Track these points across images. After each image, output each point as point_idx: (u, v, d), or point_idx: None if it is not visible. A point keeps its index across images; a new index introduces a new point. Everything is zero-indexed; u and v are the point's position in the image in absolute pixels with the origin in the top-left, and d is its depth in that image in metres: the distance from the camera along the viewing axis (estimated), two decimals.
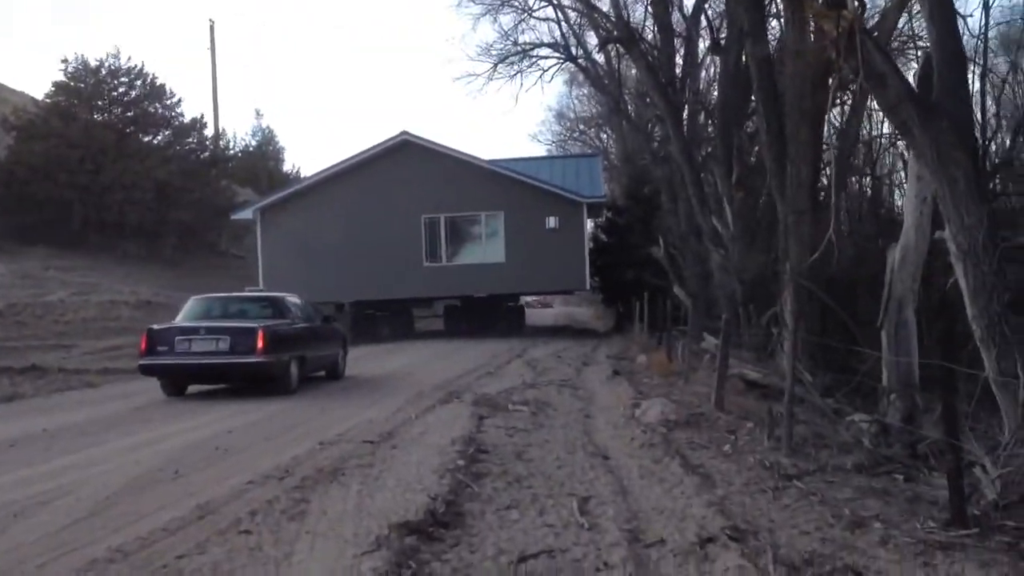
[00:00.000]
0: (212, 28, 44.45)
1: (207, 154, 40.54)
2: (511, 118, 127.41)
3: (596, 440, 9.10)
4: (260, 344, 13.07)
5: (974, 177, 7.36)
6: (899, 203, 22.72)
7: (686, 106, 24.93)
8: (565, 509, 6.20)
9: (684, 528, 5.63)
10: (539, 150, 55.41)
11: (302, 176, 62.10)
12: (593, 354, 21.31)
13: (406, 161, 30.07)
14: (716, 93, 30.31)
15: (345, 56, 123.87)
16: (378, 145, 30.73)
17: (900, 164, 20.49)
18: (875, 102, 14.12)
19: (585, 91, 50.49)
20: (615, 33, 23.69)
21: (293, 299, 15.60)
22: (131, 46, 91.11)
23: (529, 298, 40.28)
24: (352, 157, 31.30)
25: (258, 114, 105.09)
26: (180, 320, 14.43)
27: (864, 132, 18.47)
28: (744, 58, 19.72)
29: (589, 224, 32.89)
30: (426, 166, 29.98)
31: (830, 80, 17.57)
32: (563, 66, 33.70)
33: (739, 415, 10.13)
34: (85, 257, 34.85)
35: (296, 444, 8.96)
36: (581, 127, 54.90)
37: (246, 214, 32.87)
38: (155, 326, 14.10)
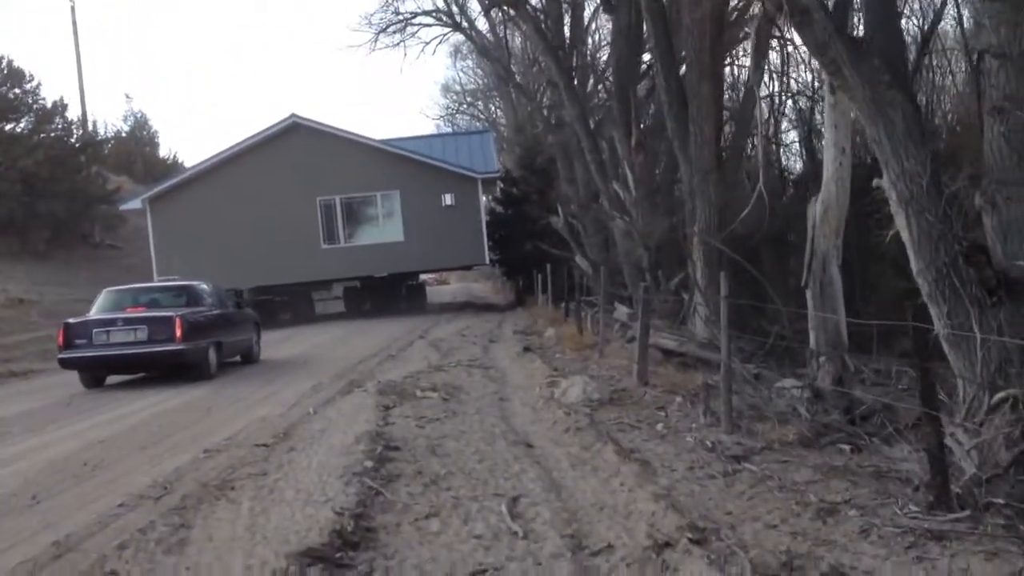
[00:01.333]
0: (73, 8, 41.65)
1: (75, 140, 38.02)
2: (398, 95, 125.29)
3: (516, 426, 8.33)
4: (178, 332, 13.25)
5: (913, 117, 6.79)
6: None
7: (576, 70, 24.17)
8: (493, 514, 5.41)
9: (633, 529, 4.90)
10: (428, 125, 54.45)
11: (179, 161, 59.92)
12: (499, 330, 20.55)
13: (297, 144, 29.92)
14: (607, 55, 29.90)
15: (220, 35, 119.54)
16: (267, 129, 30.59)
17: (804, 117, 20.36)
18: (797, 43, 13.60)
19: (471, 63, 49.62)
20: None
21: (206, 286, 15.61)
22: None
23: (426, 276, 39.46)
24: (242, 141, 31.00)
25: (128, 98, 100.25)
26: (95, 312, 14.48)
27: (765, 86, 18.11)
28: (638, 14, 19.18)
29: (484, 199, 32.94)
30: (318, 148, 29.80)
31: (737, 25, 17.27)
32: (446, 37, 32.96)
33: (665, 389, 9.49)
34: None
35: (177, 452, 7.90)
36: (469, 99, 53.92)
37: (134, 204, 32.31)
38: (71, 320, 14.27)
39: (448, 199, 30.15)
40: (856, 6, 11.71)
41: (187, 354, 13.47)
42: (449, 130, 53.71)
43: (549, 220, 26.91)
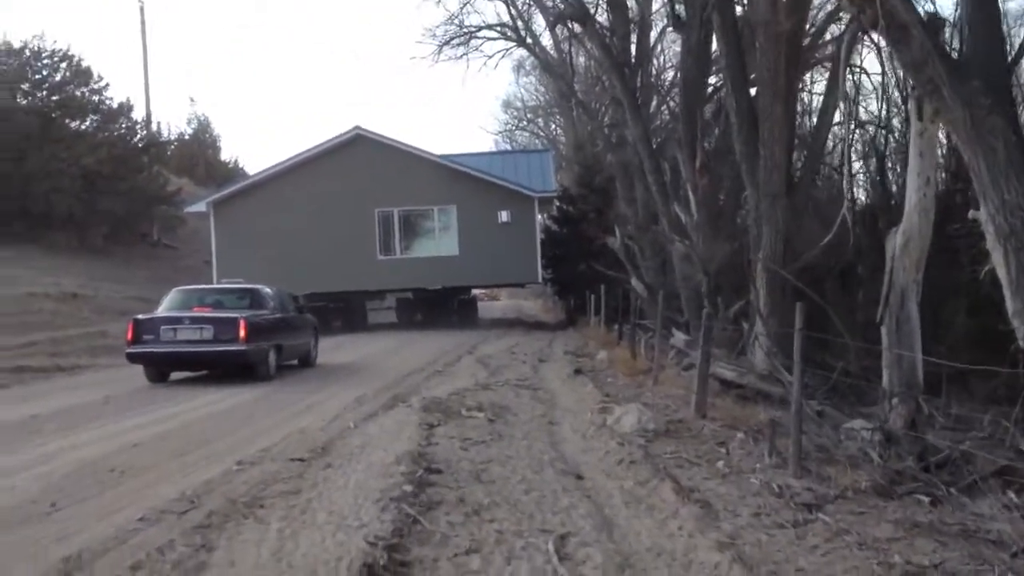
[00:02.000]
0: (142, 10, 42.15)
1: (138, 140, 38.41)
2: (459, 111, 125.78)
3: (566, 454, 7.85)
4: (242, 333, 13.68)
5: (1016, 145, 6.24)
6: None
7: (641, 89, 23.68)
8: (540, 553, 4.95)
9: None
10: (487, 140, 54.34)
11: (240, 165, 60.51)
12: (549, 349, 20.07)
13: (359, 155, 30.33)
14: (673, 75, 29.36)
15: (285, 43, 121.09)
16: (331, 139, 30.93)
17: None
18: (894, 62, 12.98)
19: (533, 79, 49.39)
20: (567, 9, 22.41)
21: (270, 290, 15.99)
22: (57, 29, 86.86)
23: (478, 291, 39.30)
24: (306, 151, 31.46)
25: (192, 101, 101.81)
26: (163, 310, 14.88)
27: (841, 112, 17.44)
28: (707, 34, 18.69)
29: (540, 217, 32.80)
30: (379, 160, 30.19)
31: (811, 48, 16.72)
32: (509, 51, 32.82)
33: (725, 423, 8.94)
34: (8, 248, 32.80)
35: (210, 462, 7.56)
36: (529, 116, 53.65)
37: (199, 207, 32.84)
38: (140, 316, 14.69)
39: (504, 216, 30.29)
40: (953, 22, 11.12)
41: (249, 355, 13.92)
42: (508, 146, 53.73)
43: (606, 240, 26.43)
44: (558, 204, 34.24)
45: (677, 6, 18.80)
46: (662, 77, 31.33)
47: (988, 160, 6.20)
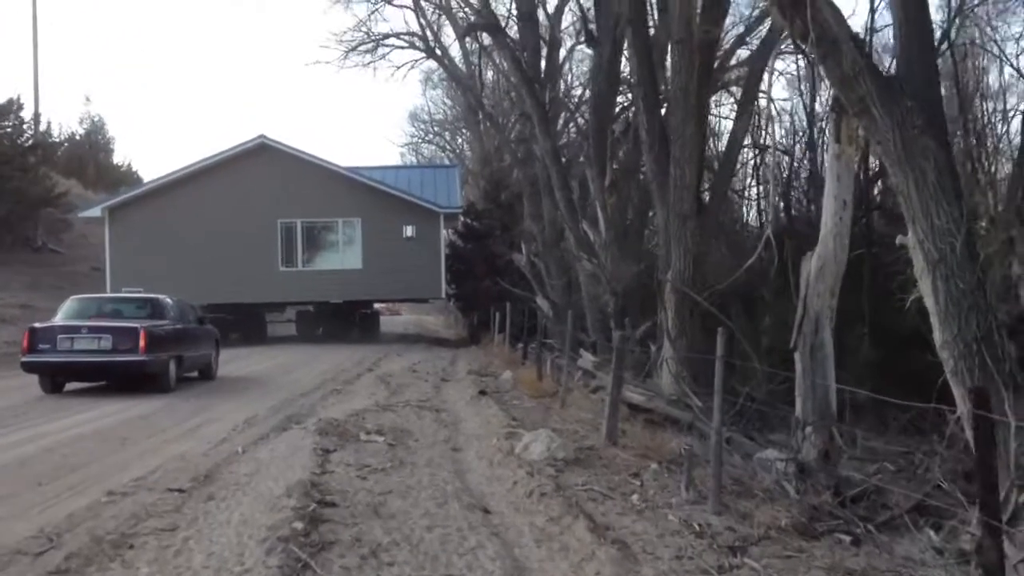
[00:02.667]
0: (34, 2, 40.14)
1: (26, 139, 36.52)
2: (365, 121, 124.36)
3: (471, 484, 7.36)
4: (142, 343, 13.43)
5: (947, 168, 6.02)
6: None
7: (550, 105, 23.41)
8: None
9: None
10: (393, 153, 53.72)
11: (134, 170, 58.38)
12: (452, 368, 19.56)
13: (263, 164, 29.97)
14: (583, 92, 29.30)
15: (188, 44, 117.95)
16: (235, 147, 30.50)
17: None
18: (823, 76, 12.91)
19: (440, 92, 48.95)
20: (478, 20, 22.05)
21: (170, 300, 15.63)
22: None
23: (378, 305, 38.72)
24: (208, 157, 30.94)
25: (87, 100, 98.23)
26: (60, 319, 14.52)
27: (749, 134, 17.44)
28: (617, 51, 18.53)
29: (445, 233, 32.54)
30: (283, 170, 29.83)
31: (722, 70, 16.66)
32: (418, 62, 32.46)
33: (637, 451, 8.56)
34: None
35: (77, 492, 6.82)
36: (436, 129, 53.14)
37: (93, 212, 31.83)
38: (37, 324, 14.36)
39: (409, 231, 30.15)
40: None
41: (149, 366, 13.65)
42: (414, 159, 53.37)
43: (511, 257, 26.10)
44: (464, 219, 33.88)
45: (589, 23, 18.55)
46: (571, 94, 31.29)
47: (918, 183, 5.97)
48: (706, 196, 14.94)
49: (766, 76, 16.17)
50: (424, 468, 7.96)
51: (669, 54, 14.61)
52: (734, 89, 19.63)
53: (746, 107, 14.68)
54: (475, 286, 30.30)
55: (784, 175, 19.28)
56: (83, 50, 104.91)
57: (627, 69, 18.78)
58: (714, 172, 16.48)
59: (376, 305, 37.31)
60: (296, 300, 32.07)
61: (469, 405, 12.55)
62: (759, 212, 21.79)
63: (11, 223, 34.50)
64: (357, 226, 30.66)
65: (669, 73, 14.64)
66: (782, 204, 19.04)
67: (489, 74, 37.70)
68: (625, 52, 17.91)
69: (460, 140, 53.03)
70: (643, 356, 15.15)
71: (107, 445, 9.03)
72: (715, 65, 15.90)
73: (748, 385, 13.88)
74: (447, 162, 49.22)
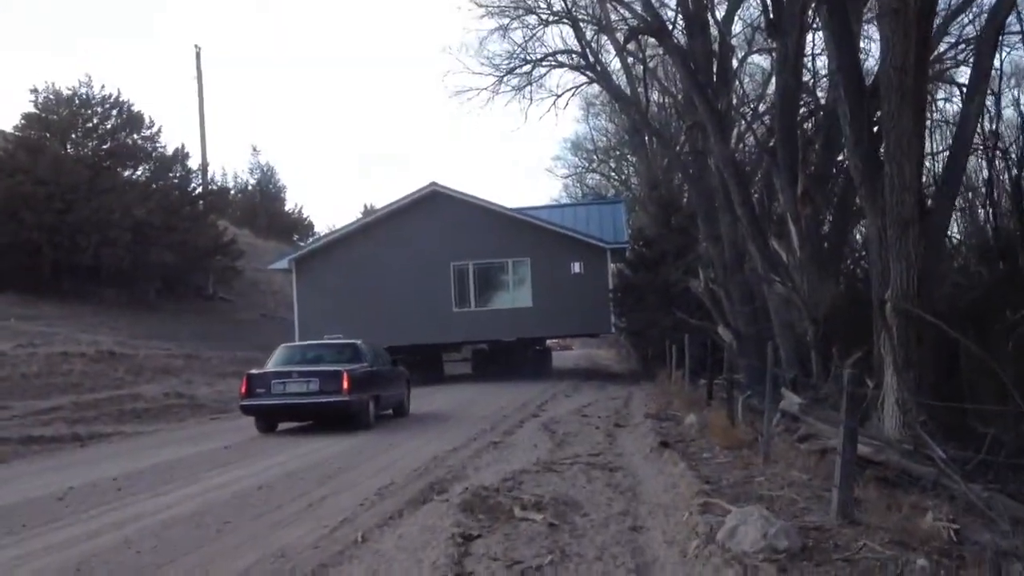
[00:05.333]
0: (198, 55, 40.94)
1: (193, 189, 36.99)
2: (528, 158, 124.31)
3: None
4: (345, 385, 14.76)
5: None
6: None
7: (725, 113, 21.03)
8: None
9: None
10: (556, 185, 52.66)
11: (304, 216, 59.29)
12: (626, 410, 17.41)
13: (435, 210, 31.21)
14: (758, 103, 26.79)
15: (347, 90, 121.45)
16: (408, 195, 31.89)
17: None
18: None
19: (603, 120, 47.29)
20: (643, 25, 20.02)
21: (366, 344, 17.01)
22: (107, 76, 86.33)
23: (550, 341, 37.77)
24: (383, 207, 33.48)
25: (255, 150, 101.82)
26: (271, 366, 16.05)
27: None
28: (802, 44, 16.16)
29: (613, 267, 32.43)
30: (454, 215, 31.03)
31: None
32: (579, 89, 31.10)
33: (885, 532, 6.21)
34: (57, 305, 31.26)
35: None
36: (600, 157, 51.31)
37: (281, 264, 33.73)
38: (253, 371, 15.86)
39: (577, 267, 30.69)
40: None
41: (351, 405, 14.96)
42: (578, 190, 52.14)
43: (687, 284, 23.77)
44: (634, 246, 32.06)
45: (769, 12, 16.22)
46: (745, 106, 28.77)
47: None
48: (930, 197, 12.31)
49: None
50: (595, 563, 5.92)
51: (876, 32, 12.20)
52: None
53: (978, 86, 11.97)
54: (647, 317, 28.07)
55: (1015, 172, 16.20)
56: (249, 100, 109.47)
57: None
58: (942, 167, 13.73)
59: (548, 341, 37.22)
60: (470, 339, 33.14)
61: (648, 461, 10.38)
62: (986, 218, 18.66)
63: (181, 272, 34.84)
64: (526, 265, 31.34)
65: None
66: (1015, 209, 15.96)
67: (655, 95, 35.80)
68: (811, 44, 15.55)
69: (625, 167, 51.10)
70: (859, 394, 12.59)
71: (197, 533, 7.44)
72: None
73: (993, 427, 11.22)
74: (612, 191, 48.77)
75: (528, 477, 9.16)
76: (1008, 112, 21.13)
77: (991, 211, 18.81)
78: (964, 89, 14.52)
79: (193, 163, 37.98)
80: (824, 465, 9.23)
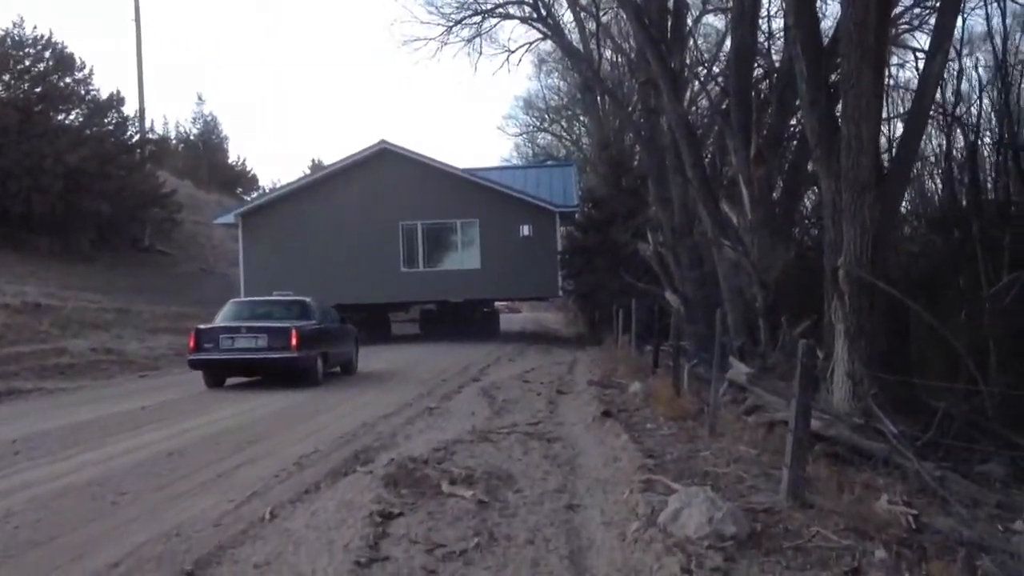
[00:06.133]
0: None
1: (130, 136, 35.54)
2: (478, 113, 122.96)
3: None
4: (294, 341, 14.90)
5: None
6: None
7: (679, 72, 20.42)
8: None
9: None
10: (507, 144, 52.08)
11: (248, 169, 57.86)
12: (570, 376, 16.95)
13: (384, 169, 31.02)
14: (712, 63, 26.29)
15: (294, 40, 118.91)
16: (357, 153, 31.67)
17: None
18: None
19: (554, 79, 46.57)
20: None
21: (316, 302, 17.08)
22: (41, 18, 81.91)
23: (498, 303, 37.54)
24: (332, 164, 33.23)
25: (200, 99, 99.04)
26: (219, 321, 16.06)
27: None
28: None
29: (562, 231, 32.26)
30: (403, 174, 30.83)
31: None
32: (532, 46, 30.41)
33: (839, 518, 5.77)
34: None
35: None
36: (551, 116, 50.61)
37: (227, 218, 33.80)
38: (201, 326, 15.88)
39: (526, 230, 30.59)
40: None
41: (300, 362, 15.13)
42: (528, 149, 51.60)
43: (636, 247, 23.32)
44: (582, 208, 31.68)
45: None
46: (698, 68, 28.24)
47: None
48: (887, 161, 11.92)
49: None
50: (525, 547, 5.40)
51: None
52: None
53: (940, 44, 11.50)
54: (595, 280, 27.65)
55: (971, 139, 15.86)
56: (194, 49, 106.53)
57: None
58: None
59: (496, 303, 37.34)
60: (418, 300, 33.26)
61: (590, 431, 9.89)
62: (938, 186, 18.36)
63: (116, 223, 33.51)
64: (475, 227, 31.23)
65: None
66: (969, 178, 15.64)
67: (608, 53, 35.16)
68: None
69: (577, 127, 50.48)
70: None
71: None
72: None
73: (943, 400, 10.92)
74: (564, 151, 48.35)
75: (461, 447, 8.61)
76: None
77: (943, 179, 18.54)
78: (917, 53, 14.12)
79: (130, 109, 36.45)
80: (772, 439, 8.82)
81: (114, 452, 8.72)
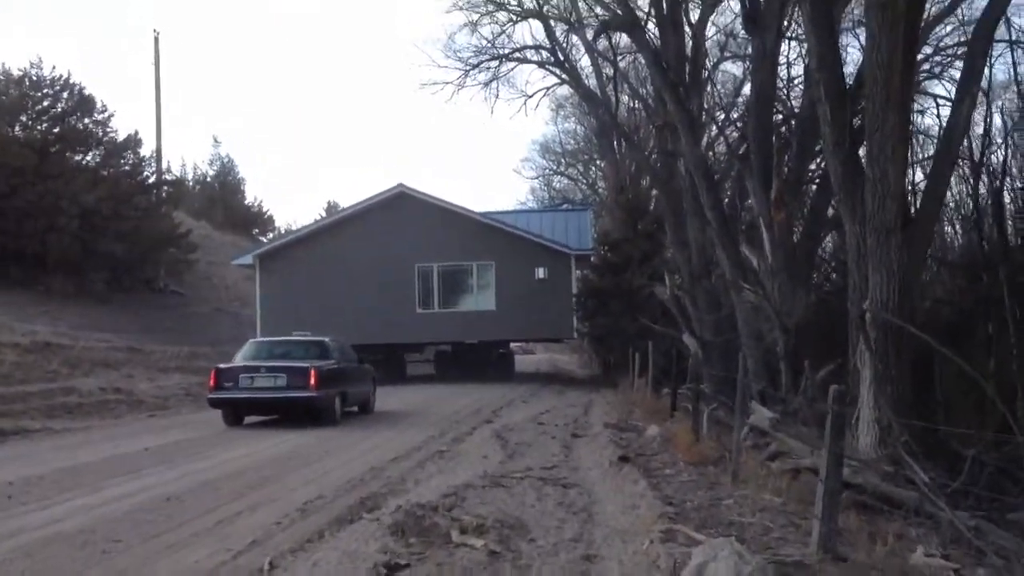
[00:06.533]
0: (156, 39, 39.36)
1: (146, 177, 35.61)
2: (493, 157, 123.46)
3: None
4: (313, 381, 15.02)
5: None
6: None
7: (696, 115, 20.25)
8: None
9: None
10: (523, 187, 52.38)
11: (265, 210, 58.02)
12: (585, 419, 16.58)
13: (401, 211, 31.09)
14: (730, 109, 26.16)
15: (313, 84, 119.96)
16: (375, 196, 31.90)
17: None
18: None
19: (571, 124, 46.61)
20: (614, 19, 19.18)
21: (334, 342, 17.16)
22: (58, 59, 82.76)
23: (513, 344, 37.29)
24: (350, 207, 33.68)
25: (216, 141, 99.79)
26: (239, 360, 16.24)
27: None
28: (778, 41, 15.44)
29: (577, 273, 32.13)
30: (421, 217, 30.88)
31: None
32: (550, 91, 30.48)
33: (873, 570, 5.42)
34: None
35: None
36: (568, 160, 50.59)
37: (245, 259, 33.76)
38: (222, 365, 16.12)
39: (541, 273, 30.52)
40: None
41: (318, 401, 15.23)
42: (544, 192, 51.72)
43: (652, 290, 23.04)
44: (597, 251, 31.52)
45: (746, 4, 15.47)
46: (716, 111, 28.14)
47: None
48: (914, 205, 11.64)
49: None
50: None
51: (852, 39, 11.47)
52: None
53: (969, 87, 11.27)
54: (610, 323, 27.37)
55: (996, 185, 15.55)
56: (210, 92, 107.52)
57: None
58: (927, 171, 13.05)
59: (511, 345, 36.71)
60: (433, 340, 33.02)
61: (607, 477, 9.53)
62: (967, 233, 17.98)
63: (131, 264, 33.40)
64: (491, 269, 31.27)
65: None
66: (995, 223, 15.27)
67: (625, 98, 35.15)
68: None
69: (593, 171, 50.47)
70: (824, 408, 11.84)
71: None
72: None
73: (973, 447, 10.55)
74: (580, 195, 48.37)
75: (473, 493, 8.27)
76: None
77: (964, 225, 18.22)
78: (938, 100, 13.90)
79: (147, 150, 36.54)
80: (797, 487, 8.47)
81: (110, 496, 8.40)
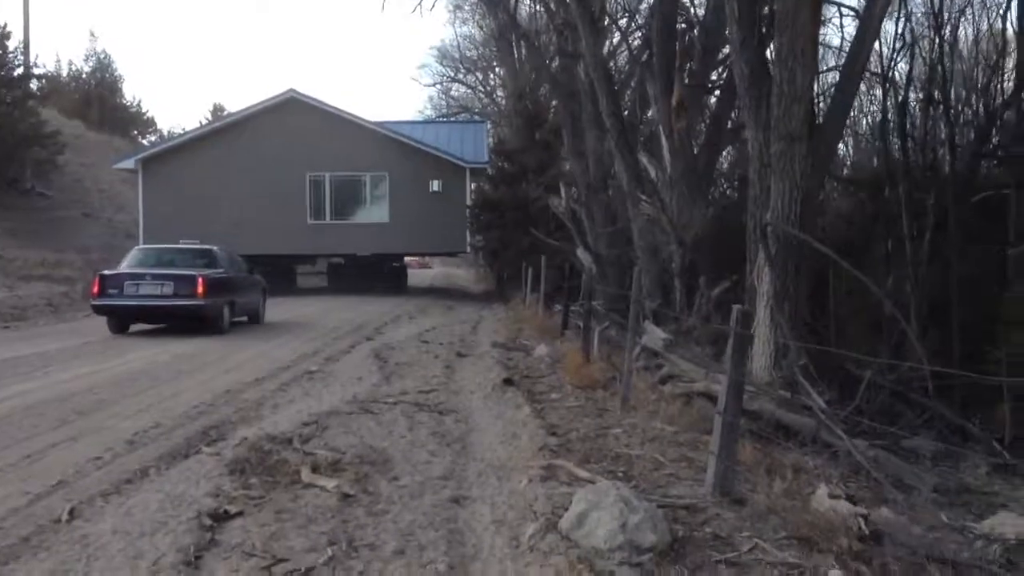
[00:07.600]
0: None
1: (12, 69, 32.81)
2: (390, 63, 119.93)
3: None
4: (200, 289, 14.84)
5: None
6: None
7: (598, 17, 19.24)
8: None
9: None
10: (420, 95, 50.90)
11: (144, 111, 54.94)
12: (473, 336, 15.83)
13: (292, 118, 30.00)
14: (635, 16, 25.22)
15: None
16: (264, 101, 30.75)
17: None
18: None
19: (469, 28, 45.04)
20: None
21: (223, 251, 16.98)
22: None
23: (409, 258, 38.19)
24: (238, 111, 32.10)
25: (93, 36, 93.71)
26: (125, 267, 15.92)
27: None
28: None
29: (472, 187, 31.43)
30: (312, 125, 29.92)
31: None
32: None
33: (773, 515, 4.77)
34: None
35: None
36: (465, 66, 49.07)
37: (127, 163, 32.21)
38: (106, 271, 15.73)
39: (435, 186, 29.96)
40: None
41: (206, 309, 15.06)
42: (443, 101, 50.37)
43: (547, 202, 22.26)
44: (493, 161, 30.54)
45: None
46: (619, 17, 27.10)
47: None
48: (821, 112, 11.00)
49: None
50: (393, 561, 4.25)
51: None
52: None
53: None
54: (503, 236, 26.59)
55: (901, 96, 15.05)
56: None
57: None
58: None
59: (405, 258, 36.48)
60: (325, 253, 32.38)
61: (489, 402, 8.74)
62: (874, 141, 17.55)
63: None
64: (385, 180, 30.58)
65: None
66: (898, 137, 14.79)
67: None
68: None
69: (492, 79, 49.09)
70: (720, 327, 11.29)
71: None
72: None
73: (867, 368, 10.16)
74: (478, 103, 47.20)
75: (336, 421, 7.39)
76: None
77: (877, 137, 17.77)
78: (841, 9, 13.25)
79: (15, 43, 33.63)
80: (690, 413, 7.87)
81: None
